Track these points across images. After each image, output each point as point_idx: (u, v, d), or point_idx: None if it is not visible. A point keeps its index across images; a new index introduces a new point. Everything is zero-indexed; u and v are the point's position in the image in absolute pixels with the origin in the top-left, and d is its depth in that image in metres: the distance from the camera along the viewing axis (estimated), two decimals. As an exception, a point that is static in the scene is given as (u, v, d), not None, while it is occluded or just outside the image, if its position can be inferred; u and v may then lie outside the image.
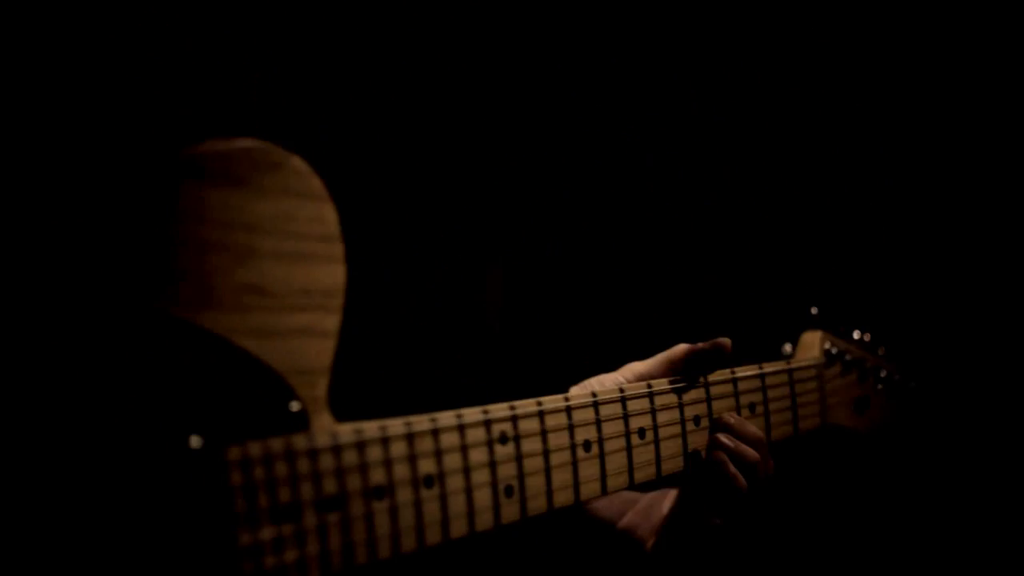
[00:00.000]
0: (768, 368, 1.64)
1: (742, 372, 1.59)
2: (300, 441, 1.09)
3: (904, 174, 2.23)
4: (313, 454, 1.10)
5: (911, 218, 2.21)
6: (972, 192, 2.23)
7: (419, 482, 1.18)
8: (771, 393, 1.63)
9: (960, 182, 2.24)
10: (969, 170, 2.24)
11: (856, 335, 1.83)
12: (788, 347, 1.78)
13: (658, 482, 1.46)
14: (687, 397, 1.50)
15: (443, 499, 1.20)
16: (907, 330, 1.87)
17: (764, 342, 1.80)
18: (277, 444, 1.07)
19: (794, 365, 1.68)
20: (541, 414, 1.32)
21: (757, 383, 1.61)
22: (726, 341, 1.53)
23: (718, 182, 2.10)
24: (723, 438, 1.49)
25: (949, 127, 2.24)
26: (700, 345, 1.53)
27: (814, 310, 1.79)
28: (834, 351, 1.76)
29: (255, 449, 1.06)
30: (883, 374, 1.82)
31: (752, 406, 1.59)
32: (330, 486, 1.11)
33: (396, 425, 1.17)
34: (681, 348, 1.52)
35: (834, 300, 1.85)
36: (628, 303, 2.00)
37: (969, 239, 2.23)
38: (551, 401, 1.33)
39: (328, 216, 1.16)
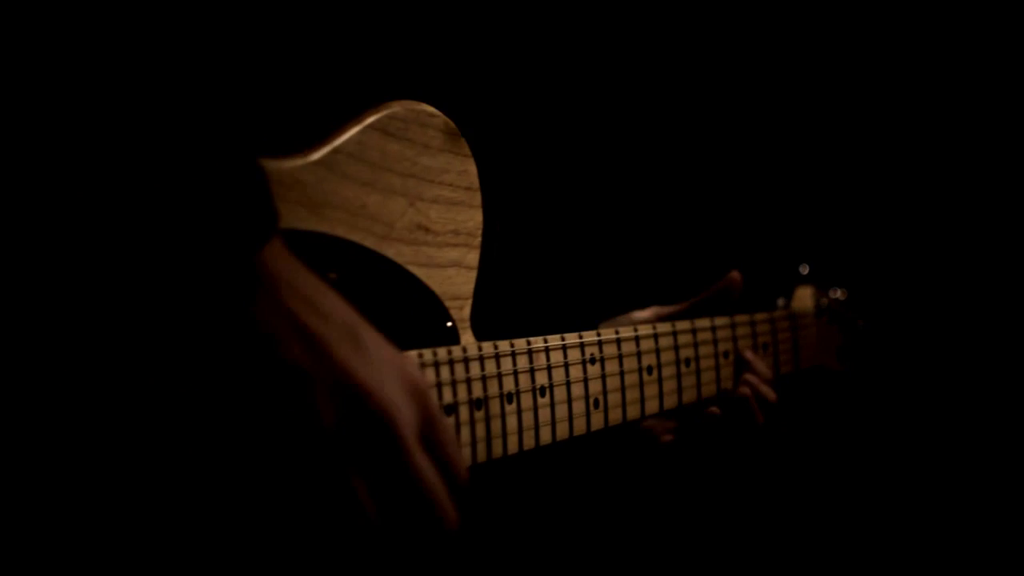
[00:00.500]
0: (777, 315, 1.94)
1: (758, 317, 1.89)
2: (457, 351, 1.34)
3: (882, 149, 2.51)
4: (466, 362, 1.35)
5: (888, 188, 2.51)
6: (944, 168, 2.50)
7: (536, 391, 1.44)
8: (779, 336, 1.93)
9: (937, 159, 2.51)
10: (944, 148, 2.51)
11: (838, 292, 2.14)
12: (782, 300, 2.09)
13: (697, 404, 1.75)
14: (719, 335, 1.79)
15: (552, 407, 1.47)
16: (878, 288, 2.19)
17: (758, 296, 2.10)
18: (442, 352, 1.32)
19: (796, 312, 1.99)
20: (618, 341, 1.59)
21: (768, 326, 1.91)
22: (736, 275, 1.82)
23: (716, 151, 2.38)
24: (750, 378, 1.77)
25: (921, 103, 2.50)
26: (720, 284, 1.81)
27: (804, 269, 2.09)
28: (823, 303, 2.07)
29: (428, 355, 1.31)
30: (859, 324, 2.14)
31: (765, 345, 1.90)
32: (477, 389, 1.36)
33: (520, 343, 1.43)
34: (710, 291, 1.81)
35: (817, 260, 2.16)
36: (633, 260, 2.28)
37: (937, 211, 2.52)
38: (625, 331, 1.61)
39: (471, 170, 1.41)
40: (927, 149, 2.53)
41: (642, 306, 1.87)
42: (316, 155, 1.24)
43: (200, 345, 0.99)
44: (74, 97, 0.92)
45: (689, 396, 1.72)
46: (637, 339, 1.62)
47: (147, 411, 1.01)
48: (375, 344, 1.06)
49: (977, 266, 2.48)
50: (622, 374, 1.59)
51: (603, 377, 1.56)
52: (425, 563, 1.11)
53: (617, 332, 1.59)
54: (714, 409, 1.74)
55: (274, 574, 1.04)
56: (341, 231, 1.25)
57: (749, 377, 1.78)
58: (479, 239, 1.41)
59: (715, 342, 1.78)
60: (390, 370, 1.06)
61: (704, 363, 1.75)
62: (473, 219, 1.41)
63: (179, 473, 1.02)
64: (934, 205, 2.52)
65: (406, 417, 1.05)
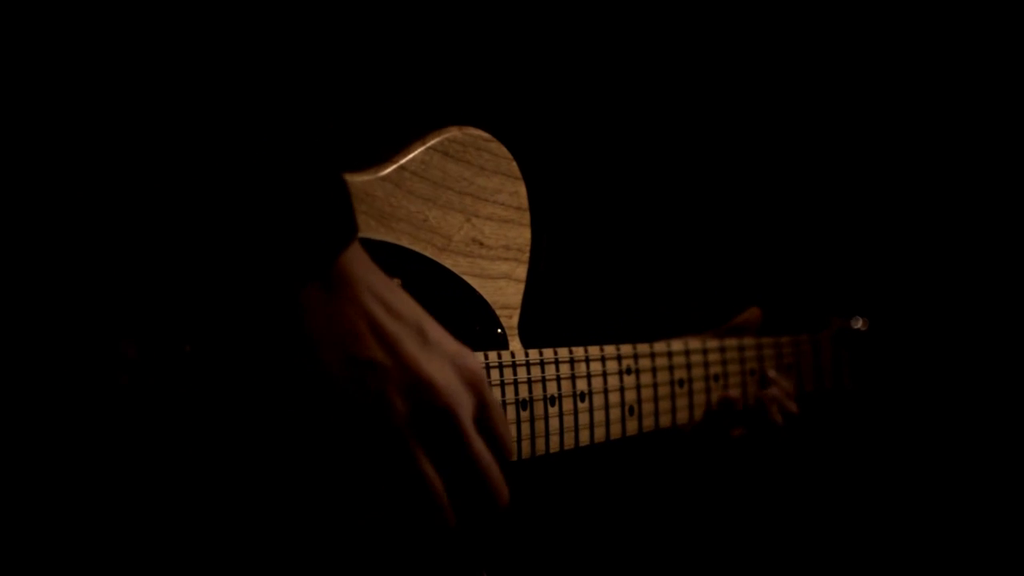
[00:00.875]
0: (801, 338, 2.06)
1: (783, 340, 2.00)
2: (507, 356, 1.47)
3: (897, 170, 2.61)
4: (514, 366, 1.47)
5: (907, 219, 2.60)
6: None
7: (576, 396, 1.56)
8: (801, 357, 2.05)
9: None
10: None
11: (859, 323, 2.25)
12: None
13: (724, 416, 1.86)
14: (746, 354, 1.91)
15: (591, 411, 1.58)
16: (896, 319, 2.29)
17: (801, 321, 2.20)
18: (493, 356, 1.45)
19: (817, 337, 2.10)
20: (652, 354, 1.71)
21: (792, 348, 2.03)
22: (756, 311, 1.94)
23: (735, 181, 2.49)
24: (774, 391, 1.89)
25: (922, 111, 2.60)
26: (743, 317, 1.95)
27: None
28: (846, 332, 2.18)
29: (480, 358, 1.43)
30: (870, 350, 2.25)
31: (789, 366, 2.01)
32: (523, 391, 1.48)
33: (563, 352, 1.55)
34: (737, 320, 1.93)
35: (842, 291, 2.27)
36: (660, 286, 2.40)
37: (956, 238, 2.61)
38: (659, 346, 1.73)
39: (521, 191, 1.53)
40: (952, 171, 2.61)
41: (676, 326, 1.99)
42: (385, 171, 1.37)
43: (289, 340, 1.11)
44: (192, 112, 1.05)
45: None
46: (670, 354, 1.74)
47: (238, 399, 1.13)
48: (438, 338, 1.18)
49: (989, 281, 2.57)
50: (655, 385, 1.71)
51: (638, 387, 1.67)
52: (481, 536, 1.23)
53: (652, 346, 1.70)
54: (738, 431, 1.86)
55: (358, 550, 1.16)
56: (405, 241, 1.38)
57: (773, 390, 1.89)
58: (527, 254, 1.54)
59: (742, 360, 1.89)
60: (451, 362, 1.18)
61: (732, 379, 1.87)
62: (522, 236, 1.53)
63: (268, 459, 1.14)
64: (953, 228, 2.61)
65: (465, 405, 1.17)
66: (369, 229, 1.34)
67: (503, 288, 1.50)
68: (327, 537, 1.19)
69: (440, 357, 1.17)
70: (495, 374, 1.45)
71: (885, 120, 2.62)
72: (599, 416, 1.60)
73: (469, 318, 1.46)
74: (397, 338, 1.14)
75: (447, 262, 1.43)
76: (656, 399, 1.71)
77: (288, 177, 1.10)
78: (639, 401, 1.67)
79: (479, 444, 1.18)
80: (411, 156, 1.40)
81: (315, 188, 1.12)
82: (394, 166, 1.38)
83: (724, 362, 1.85)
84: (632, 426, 1.66)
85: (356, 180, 1.33)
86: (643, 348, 1.69)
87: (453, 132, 1.45)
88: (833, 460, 2.55)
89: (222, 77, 1.06)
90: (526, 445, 1.48)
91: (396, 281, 1.33)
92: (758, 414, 1.87)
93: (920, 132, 2.61)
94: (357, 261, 1.15)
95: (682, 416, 1.76)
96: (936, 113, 2.60)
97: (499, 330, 1.49)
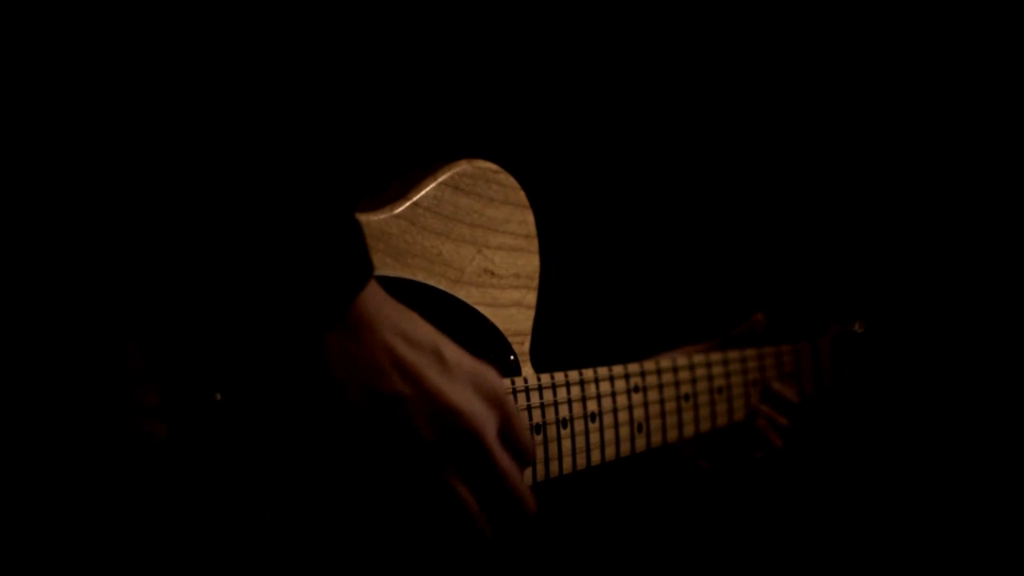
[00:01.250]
0: (801, 346, 2.10)
1: (783, 348, 2.05)
2: (520, 382, 1.51)
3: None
4: (527, 392, 1.51)
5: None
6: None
7: (587, 417, 1.61)
8: (802, 364, 2.09)
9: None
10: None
11: (856, 325, 2.30)
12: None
13: (728, 428, 1.91)
14: (748, 365, 1.95)
15: (601, 431, 1.63)
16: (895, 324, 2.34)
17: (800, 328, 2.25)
18: (507, 383, 1.48)
19: (818, 343, 2.15)
20: (659, 371, 1.75)
21: (792, 357, 2.07)
22: (760, 316, 1.99)
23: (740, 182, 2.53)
24: (764, 408, 1.93)
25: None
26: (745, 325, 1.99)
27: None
28: (844, 335, 2.23)
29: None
30: (868, 353, 2.30)
31: (790, 374, 2.05)
32: (536, 416, 1.52)
33: (573, 375, 1.59)
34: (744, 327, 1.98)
35: (838, 296, 2.32)
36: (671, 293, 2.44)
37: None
38: (664, 362, 1.77)
39: (529, 220, 1.57)
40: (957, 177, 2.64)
41: (676, 339, 2.04)
42: (399, 209, 1.40)
43: (315, 383, 1.16)
44: (201, 162, 1.08)
45: (722, 420, 1.88)
46: (675, 369, 1.78)
47: (262, 438, 1.17)
48: (456, 360, 1.23)
49: (986, 283, 2.61)
50: (662, 401, 1.75)
51: (645, 404, 1.72)
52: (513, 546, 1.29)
53: (658, 363, 1.75)
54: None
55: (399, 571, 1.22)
56: (420, 276, 1.42)
57: (763, 408, 1.93)
58: (536, 281, 1.58)
59: (744, 372, 1.94)
60: (472, 383, 1.23)
61: (735, 391, 1.91)
62: (531, 263, 1.57)
63: (305, 501, 1.18)
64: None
65: (490, 425, 1.23)
66: (386, 267, 1.37)
67: (514, 315, 1.54)
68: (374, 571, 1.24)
69: (461, 380, 1.22)
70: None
71: (879, 121, 2.66)
72: (609, 435, 1.64)
73: (483, 347, 1.50)
74: (418, 368, 1.19)
75: (460, 294, 1.47)
76: (663, 415, 1.75)
77: (304, 224, 1.13)
78: (647, 418, 1.72)
79: (506, 460, 1.24)
80: (424, 192, 1.44)
81: (330, 233, 1.16)
82: (408, 203, 1.42)
83: (727, 374, 1.90)
84: (641, 443, 1.71)
85: (372, 219, 1.37)
86: (649, 365, 1.73)
87: (463, 166, 1.49)
88: (835, 462, 2.60)
89: (232, 124, 1.10)
90: (540, 468, 1.52)
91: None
92: (756, 438, 1.92)
93: (916, 133, 2.65)
94: (373, 298, 1.19)
95: (688, 430, 1.80)
96: (928, 115, 2.64)
97: (512, 357, 1.53)
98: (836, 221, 2.62)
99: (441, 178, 1.46)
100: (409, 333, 1.21)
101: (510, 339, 1.53)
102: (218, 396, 1.15)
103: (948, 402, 2.58)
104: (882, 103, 2.63)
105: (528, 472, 1.49)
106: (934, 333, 2.46)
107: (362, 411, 1.16)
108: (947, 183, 2.63)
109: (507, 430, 1.27)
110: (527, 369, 1.55)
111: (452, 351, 1.24)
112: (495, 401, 1.26)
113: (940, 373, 2.43)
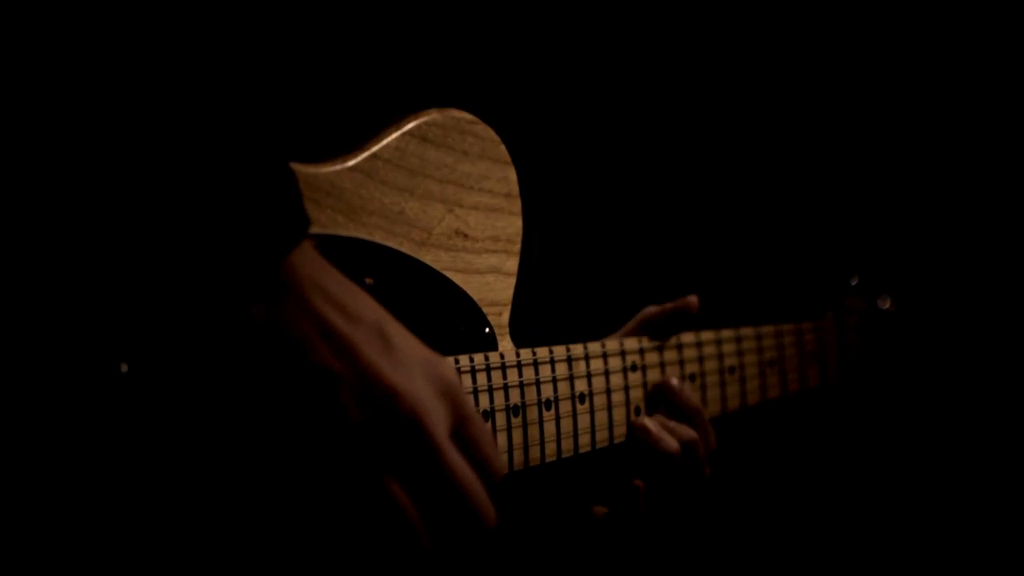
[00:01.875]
0: (825, 323, 1.92)
1: (805, 325, 1.87)
2: (495, 357, 1.35)
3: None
4: (504, 368, 1.35)
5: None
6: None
7: (575, 398, 1.44)
8: (827, 343, 1.91)
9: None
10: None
11: (887, 303, 2.11)
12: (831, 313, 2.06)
13: (722, 416, 1.70)
14: (764, 343, 1.78)
15: (592, 414, 1.46)
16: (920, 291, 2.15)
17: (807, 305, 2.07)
18: (479, 358, 1.33)
19: (843, 320, 1.97)
20: (661, 348, 1.58)
21: (815, 334, 1.89)
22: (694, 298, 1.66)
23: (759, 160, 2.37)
24: (647, 423, 1.53)
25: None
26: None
27: (854, 280, 2.06)
28: (871, 311, 2.04)
29: (464, 361, 1.31)
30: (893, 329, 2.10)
31: (812, 354, 1.87)
32: (514, 396, 1.36)
33: (559, 350, 1.43)
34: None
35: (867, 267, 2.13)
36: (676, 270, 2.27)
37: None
38: (668, 339, 1.60)
39: (511, 177, 1.41)
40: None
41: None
42: (353, 161, 1.25)
43: (229, 347, 1.00)
44: (101, 101, 0.94)
45: (733, 404, 1.71)
46: (680, 347, 1.62)
47: (172, 415, 1.02)
48: (405, 344, 1.06)
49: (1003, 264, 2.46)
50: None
51: (644, 385, 1.55)
52: (466, 560, 1.12)
53: (660, 341, 1.58)
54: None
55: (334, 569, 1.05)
56: (379, 236, 1.26)
57: (646, 423, 1.54)
58: (519, 245, 1.41)
59: (760, 351, 1.76)
60: (420, 370, 1.06)
61: (748, 371, 1.74)
62: (512, 225, 1.41)
63: (209, 477, 1.03)
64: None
65: (437, 416, 1.05)
66: (337, 225, 1.22)
67: (491, 283, 1.38)
68: (300, 559, 1.08)
69: (406, 364, 1.05)
70: (482, 378, 1.33)
71: (876, 121, 2.49)
72: (601, 418, 1.48)
73: (452, 318, 1.34)
74: (354, 344, 1.02)
75: (427, 257, 1.31)
76: (665, 397, 1.58)
77: (224, 171, 0.98)
78: (646, 400, 1.55)
79: (456, 459, 1.06)
80: (384, 143, 1.28)
81: (256, 182, 1.00)
82: (365, 155, 1.26)
83: (740, 353, 1.72)
84: (638, 427, 1.54)
85: (321, 172, 1.21)
86: (650, 343, 1.57)
87: (432, 115, 1.33)
88: (855, 453, 2.43)
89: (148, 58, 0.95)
90: (518, 454, 1.36)
91: (368, 282, 1.22)
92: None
93: (913, 133, 2.48)
94: (308, 261, 1.03)
95: (694, 413, 1.63)
96: (924, 116, 2.48)
97: (487, 329, 1.37)
98: (843, 200, 2.45)
99: (406, 127, 1.30)
100: (348, 306, 1.04)
101: (485, 309, 1.37)
102: (124, 368, 1.00)
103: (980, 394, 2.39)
104: (889, 88, 2.46)
105: (503, 459, 1.33)
106: (960, 316, 2.27)
107: (286, 389, 1.00)
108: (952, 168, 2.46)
109: (464, 433, 1.08)
110: (505, 344, 1.39)
111: (400, 334, 1.07)
112: (449, 395, 1.07)
113: (966, 355, 2.25)
